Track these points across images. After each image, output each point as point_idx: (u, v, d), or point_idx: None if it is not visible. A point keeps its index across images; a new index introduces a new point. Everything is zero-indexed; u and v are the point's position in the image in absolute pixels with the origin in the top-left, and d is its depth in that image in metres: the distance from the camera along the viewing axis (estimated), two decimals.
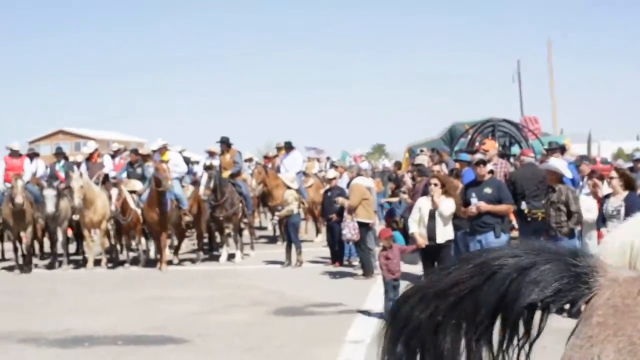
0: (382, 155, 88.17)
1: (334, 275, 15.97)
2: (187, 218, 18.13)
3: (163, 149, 18.41)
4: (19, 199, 16.86)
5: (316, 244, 21.08)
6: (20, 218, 17.40)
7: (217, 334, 10.73)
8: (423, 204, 11.60)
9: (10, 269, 18.39)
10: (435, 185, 11.57)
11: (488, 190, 11.46)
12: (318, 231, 22.41)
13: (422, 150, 21.87)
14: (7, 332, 11.10)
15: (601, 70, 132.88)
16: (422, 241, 11.44)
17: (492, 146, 16.80)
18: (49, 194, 17.59)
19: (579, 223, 11.17)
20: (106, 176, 19.43)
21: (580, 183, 12.94)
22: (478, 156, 12.54)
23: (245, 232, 20.25)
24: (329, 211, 16.94)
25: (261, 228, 26.16)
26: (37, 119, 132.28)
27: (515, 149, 22.02)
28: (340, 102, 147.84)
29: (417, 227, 11.57)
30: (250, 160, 26.93)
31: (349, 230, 15.27)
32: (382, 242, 11.69)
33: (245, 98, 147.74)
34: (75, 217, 18.19)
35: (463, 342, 2.13)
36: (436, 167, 14.49)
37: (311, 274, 16.19)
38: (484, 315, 1.96)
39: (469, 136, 23.35)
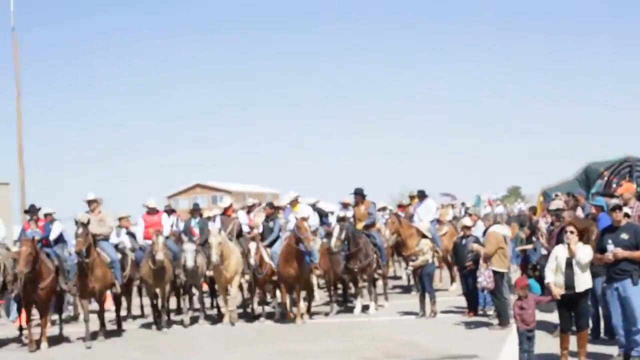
0: (517, 198, 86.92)
1: (469, 325, 15.77)
2: (318, 272, 18.33)
3: (294, 202, 18.74)
4: (159, 256, 16.89)
5: (451, 293, 20.89)
6: (160, 275, 17.46)
7: None
8: (559, 252, 11.32)
9: (147, 325, 18.87)
10: (572, 232, 11.28)
11: (625, 236, 11.13)
12: (453, 280, 22.21)
13: (557, 195, 21.48)
14: None
15: None
16: (557, 292, 11.15)
17: (628, 189, 16.34)
18: (189, 248, 17.73)
19: None
20: (240, 230, 19.71)
21: None
22: (614, 201, 12.22)
23: (379, 283, 20.24)
24: (462, 259, 16.79)
25: (395, 277, 26.11)
26: (174, 174, 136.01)
27: None
28: (474, 146, 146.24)
29: (553, 277, 11.28)
30: (384, 209, 27.00)
31: (485, 279, 15.11)
32: (518, 292, 11.48)
33: (379, 144, 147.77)
34: (209, 272, 18.45)
35: None
36: (565, 214, 14.17)
37: (446, 325, 16.03)
38: None
39: (605, 178, 22.79)
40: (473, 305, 17.00)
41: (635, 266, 11.01)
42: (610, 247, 11.10)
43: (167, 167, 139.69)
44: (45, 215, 18.18)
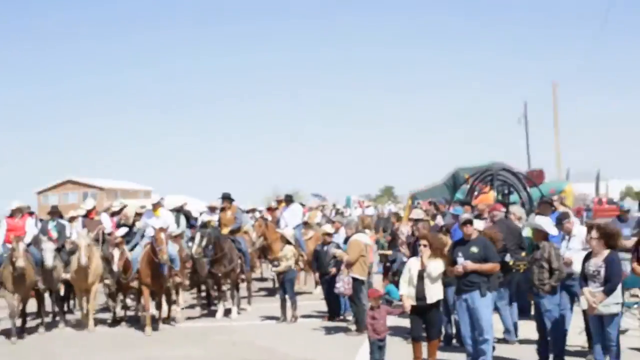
0: (390, 197, 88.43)
1: (328, 330, 16.00)
2: (178, 279, 18.00)
3: (157, 205, 18.36)
4: (20, 262, 15.94)
5: (315, 296, 21.10)
6: (21, 281, 16.38)
7: None
8: (412, 265, 11.68)
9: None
10: (425, 246, 11.65)
11: (474, 249, 11.55)
12: (317, 283, 22.45)
13: (419, 203, 22.07)
14: None
15: (609, 108, 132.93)
16: (408, 305, 11.50)
17: (483, 200, 17.01)
18: (48, 247, 17.10)
19: (560, 280, 11.23)
20: (104, 235, 19.17)
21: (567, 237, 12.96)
22: (465, 216, 12.65)
23: (243, 287, 20.30)
24: (323, 265, 16.99)
25: (262, 279, 26.20)
26: (45, 168, 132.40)
27: (514, 197, 22.16)
28: (348, 146, 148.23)
29: (407, 289, 11.63)
30: (253, 210, 27.13)
31: (343, 285, 15.38)
32: (370, 302, 11.81)
33: (252, 144, 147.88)
34: (66, 275, 17.87)
35: None
36: (420, 225, 14.66)
37: (305, 330, 16.24)
38: None
39: (468, 185, 23.54)
40: (334, 310, 17.26)
41: (484, 278, 11.47)
42: (460, 259, 11.51)
43: (37, 161, 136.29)
44: None
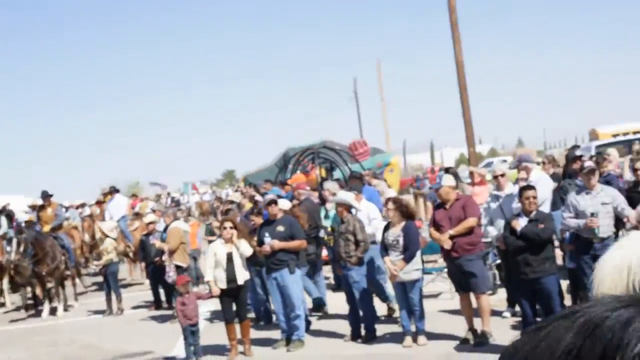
0: (232, 181, 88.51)
1: (155, 319, 16.05)
2: None
3: None
4: None
5: (146, 287, 21.01)
6: None
7: None
8: (218, 249, 11.75)
9: None
10: (231, 227, 11.82)
11: (281, 228, 11.84)
12: (144, 272, 22.41)
13: (238, 187, 22.34)
14: None
15: (437, 81, 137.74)
16: (216, 289, 11.62)
17: (297, 179, 17.40)
18: None
19: (365, 251, 11.64)
20: None
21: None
22: (269, 196, 12.92)
23: (68, 284, 20.01)
24: (149, 255, 16.95)
25: (95, 274, 25.82)
26: None
27: (337, 174, 22.73)
28: (187, 134, 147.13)
29: (212, 274, 11.70)
30: (82, 205, 26.72)
31: (170, 274, 15.36)
32: (179, 288, 11.92)
33: (89, 137, 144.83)
34: None
35: None
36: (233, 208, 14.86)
37: (132, 322, 16.24)
38: None
39: (291, 165, 23.99)
40: (159, 299, 17.26)
41: (292, 255, 11.78)
42: (267, 239, 11.76)
43: None
44: None
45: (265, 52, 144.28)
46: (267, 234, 11.88)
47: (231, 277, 11.60)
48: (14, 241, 17.71)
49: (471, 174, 14.80)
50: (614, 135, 26.09)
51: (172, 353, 12.41)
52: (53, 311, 18.30)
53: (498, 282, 13.62)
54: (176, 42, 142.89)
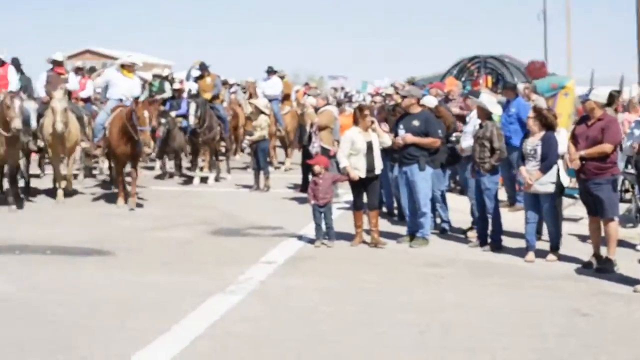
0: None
1: (296, 200, 16.34)
2: (148, 150, 16.09)
3: (131, 67, 16.48)
4: (17, 124, 13.90)
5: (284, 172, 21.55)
6: (13, 143, 14.57)
7: (143, 249, 11.31)
8: (356, 137, 11.70)
9: None
10: (372, 122, 11.77)
11: (416, 122, 11.67)
12: (287, 157, 22.93)
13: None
14: None
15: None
16: (355, 175, 11.64)
17: (452, 83, 17.20)
18: (32, 106, 15.66)
19: (501, 160, 11.38)
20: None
21: None
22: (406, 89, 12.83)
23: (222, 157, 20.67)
24: (303, 137, 17.22)
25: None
26: (64, 37, 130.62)
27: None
28: (368, 35, 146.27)
29: (347, 161, 11.69)
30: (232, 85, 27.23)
31: (312, 146, 15.57)
32: (315, 168, 12.03)
33: (277, 25, 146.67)
34: (33, 146, 16.21)
35: None
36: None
37: (274, 199, 16.66)
38: None
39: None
40: (307, 181, 17.49)
41: (424, 152, 11.64)
42: (402, 132, 11.67)
43: (55, 29, 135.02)
44: None
45: None
46: (401, 127, 11.79)
47: (370, 166, 11.58)
48: (193, 104, 18.35)
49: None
50: None
51: (301, 232, 12.63)
52: (204, 180, 18.99)
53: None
54: None
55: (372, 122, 11.63)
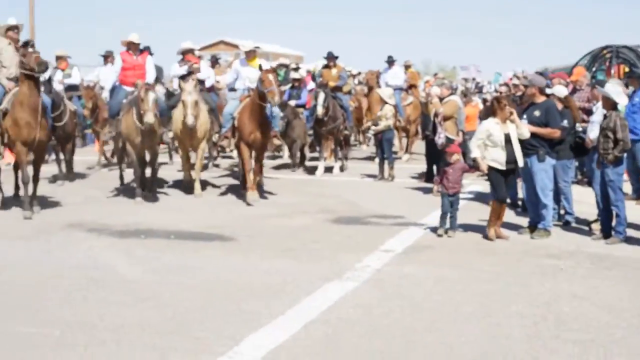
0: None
1: (420, 189, 16.34)
2: (278, 142, 16.90)
3: (252, 54, 15.98)
4: (149, 118, 13.70)
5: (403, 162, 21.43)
6: (150, 136, 14.39)
7: (265, 235, 11.49)
8: (493, 128, 11.49)
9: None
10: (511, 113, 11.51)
11: (537, 112, 11.44)
12: (407, 149, 22.90)
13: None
14: (80, 222, 12.33)
15: None
16: (485, 166, 11.43)
17: (580, 73, 16.79)
18: (160, 95, 15.48)
19: (624, 151, 11.02)
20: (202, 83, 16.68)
21: None
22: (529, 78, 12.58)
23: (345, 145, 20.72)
24: (427, 127, 17.18)
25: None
26: (198, 28, 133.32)
27: None
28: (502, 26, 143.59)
29: (478, 152, 11.48)
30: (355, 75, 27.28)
31: (438, 137, 15.46)
32: (447, 157, 11.89)
33: (408, 17, 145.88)
34: (166, 137, 16.09)
35: None
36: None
37: (397, 188, 16.68)
38: None
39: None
40: (431, 171, 17.39)
41: (543, 143, 11.38)
42: (524, 121, 11.45)
43: (191, 22, 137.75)
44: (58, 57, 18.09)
45: None
46: (524, 117, 11.57)
47: (510, 158, 11.31)
48: (321, 94, 18.50)
49: None
50: None
51: (423, 221, 12.59)
52: (328, 170, 19.12)
53: None
54: None
55: (511, 113, 11.41)
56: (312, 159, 21.29)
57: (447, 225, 11.63)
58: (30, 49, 12.88)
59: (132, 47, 15.40)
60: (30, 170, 13.16)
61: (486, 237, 11.32)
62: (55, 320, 7.26)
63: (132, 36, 15.42)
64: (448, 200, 11.64)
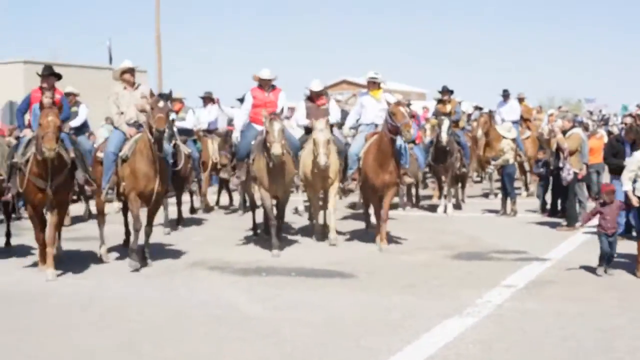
0: None
1: (544, 224, 16.10)
2: (408, 179, 14.76)
3: (373, 85, 15.05)
4: (276, 149, 12.64)
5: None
6: (280, 173, 13.36)
7: (385, 272, 11.50)
8: None
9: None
10: None
11: None
12: (526, 187, 22.48)
13: None
14: (202, 260, 12.61)
15: None
16: (636, 200, 11.16)
17: None
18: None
19: None
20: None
21: None
22: None
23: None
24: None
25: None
26: (322, 67, 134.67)
27: None
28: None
29: (630, 185, 11.12)
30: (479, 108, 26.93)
31: (567, 172, 15.18)
32: (603, 197, 11.41)
33: (530, 50, 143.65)
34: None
35: None
36: None
37: (519, 223, 16.48)
38: None
39: None
40: (555, 205, 17.07)
41: None
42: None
43: (312, 61, 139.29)
44: (67, 94, 15.48)
45: None
46: None
47: None
48: (445, 122, 18.02)
49: None
50: None
51: (546, 255, 12.39)
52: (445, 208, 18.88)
53: None
54: None
55: None
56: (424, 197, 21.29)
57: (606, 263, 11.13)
58: (160, 104, 11.66)
59: (263, 83, 14.67)
60: (143, 218, 12.33)
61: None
62: (176, 355, 7.48)
63: (264, 72, 14.48)
64: (607, 241, 11.16)
